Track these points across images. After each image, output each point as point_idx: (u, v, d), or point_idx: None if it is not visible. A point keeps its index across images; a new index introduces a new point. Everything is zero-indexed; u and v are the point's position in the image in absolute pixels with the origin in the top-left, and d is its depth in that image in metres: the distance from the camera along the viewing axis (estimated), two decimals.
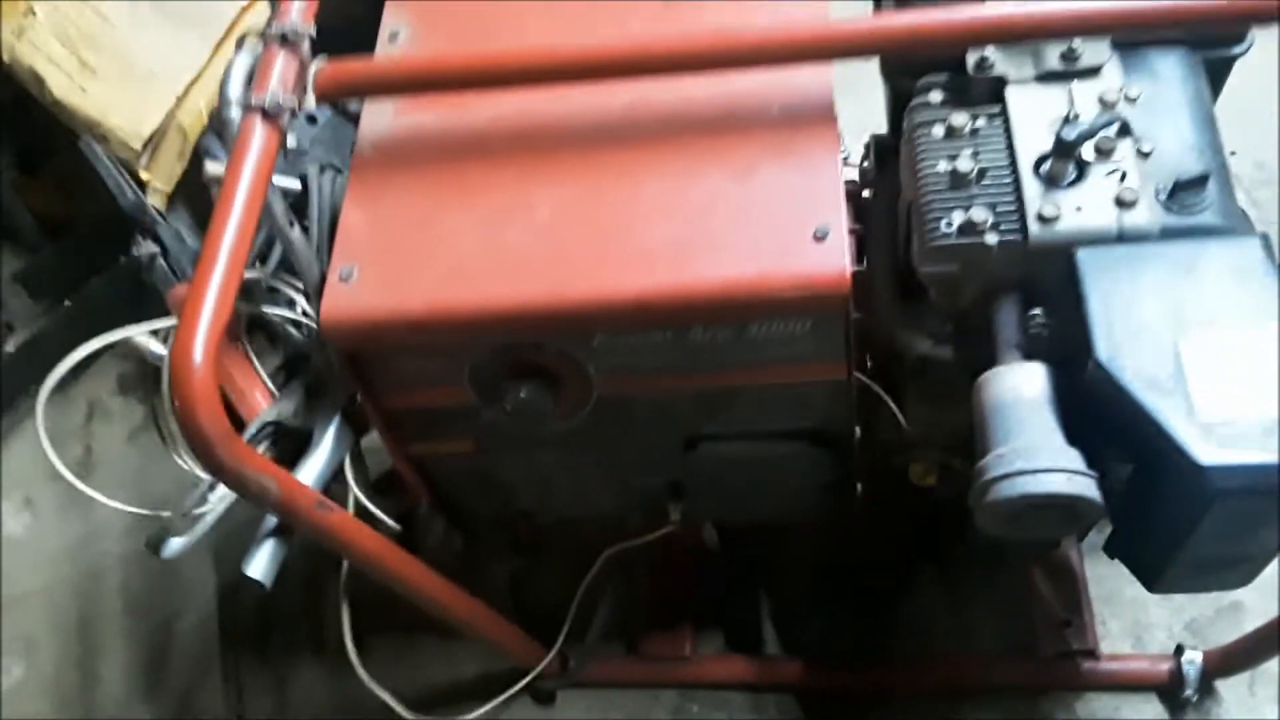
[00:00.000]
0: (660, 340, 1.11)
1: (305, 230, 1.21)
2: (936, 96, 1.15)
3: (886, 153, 1.29)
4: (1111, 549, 1.09)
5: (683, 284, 1.05)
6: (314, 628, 1.74)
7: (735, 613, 1.67)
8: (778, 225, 1.06)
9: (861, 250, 1.27)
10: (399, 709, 1.34)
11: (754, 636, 1.63)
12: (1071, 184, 1.06)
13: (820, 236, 1.05)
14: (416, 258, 1.12)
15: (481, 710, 1.47)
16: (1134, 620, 1.57)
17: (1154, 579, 1.06)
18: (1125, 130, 1.07)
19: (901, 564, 1.64)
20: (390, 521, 1.27)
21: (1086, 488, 0.99)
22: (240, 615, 1.80)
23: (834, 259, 1.04)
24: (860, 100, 1.26)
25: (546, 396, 1.14)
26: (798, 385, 1.16)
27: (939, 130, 1.12)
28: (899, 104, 1.21)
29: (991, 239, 1.06)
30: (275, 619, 1.78)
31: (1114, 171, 1.06)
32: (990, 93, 1.13)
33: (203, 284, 0.97)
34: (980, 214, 1.06)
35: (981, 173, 1.09)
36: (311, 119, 1.32)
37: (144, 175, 1.73)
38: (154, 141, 1.71)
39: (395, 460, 1.28)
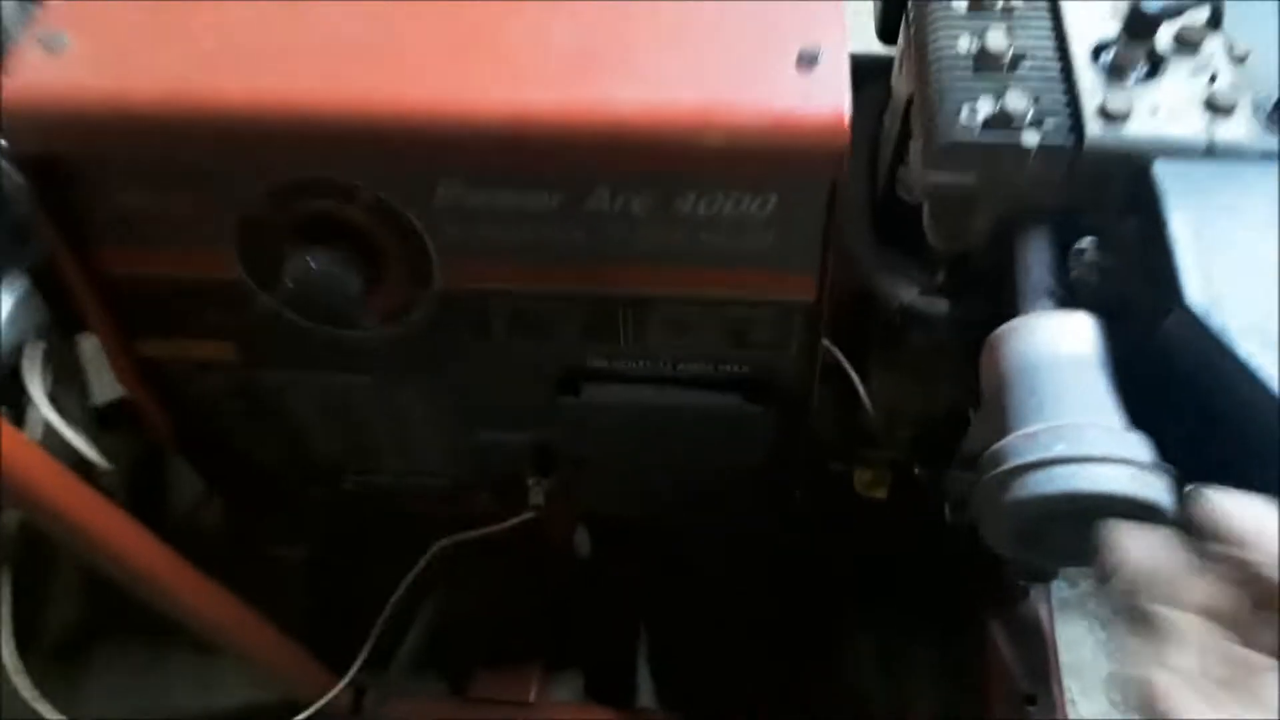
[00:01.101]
0: (542, 205, 0.73)
1: None
2: None
3: (866, 72, 1.01)
4: None
5: (586, 106, 0.68)
6: (32, 610, 1.30)
7: (602, 649, 1.34)
8: (742, 40, 0.70)
9: None
10: None
11: (624, 682, 1.31)
12: (1142, 80, 0.79)
13: (807, 61, 0.69)
14: (167, 28, 0.72)
15: None
16: (1109, 701, 1.29)
17: None
18: (1216, 20, 0.81)
19: (829, 603, 1.33)
20: (96, 456, 0.84)
21: (1158, 490, 0.68)
22: None
23: (826, 94, 0.68)
24: None
25: (353, 274, 0.75)
26: (742, 304, 0.80)
27: (960, 3, 0.84)
28: None
29: (1030, 138, 0.76)
30: None
31: (1200, 72, 0.79)
32: None
33: None
34: (1017, 102, 0.76)
35: (1018, 58, 0.80)
36: None
37: None
38: None
39: (113, 362, 0.84)
